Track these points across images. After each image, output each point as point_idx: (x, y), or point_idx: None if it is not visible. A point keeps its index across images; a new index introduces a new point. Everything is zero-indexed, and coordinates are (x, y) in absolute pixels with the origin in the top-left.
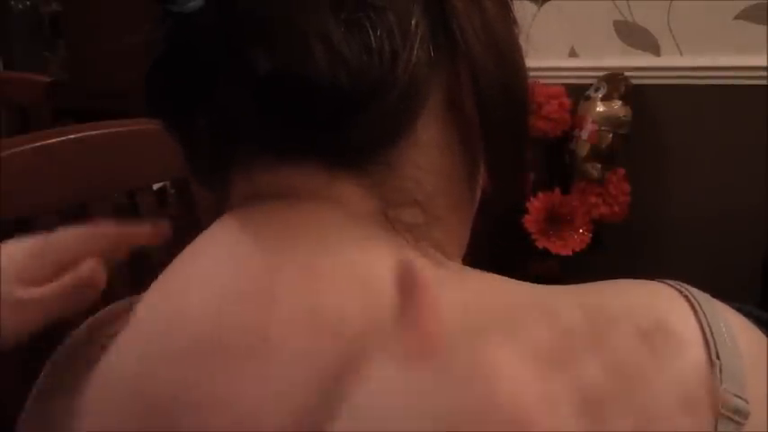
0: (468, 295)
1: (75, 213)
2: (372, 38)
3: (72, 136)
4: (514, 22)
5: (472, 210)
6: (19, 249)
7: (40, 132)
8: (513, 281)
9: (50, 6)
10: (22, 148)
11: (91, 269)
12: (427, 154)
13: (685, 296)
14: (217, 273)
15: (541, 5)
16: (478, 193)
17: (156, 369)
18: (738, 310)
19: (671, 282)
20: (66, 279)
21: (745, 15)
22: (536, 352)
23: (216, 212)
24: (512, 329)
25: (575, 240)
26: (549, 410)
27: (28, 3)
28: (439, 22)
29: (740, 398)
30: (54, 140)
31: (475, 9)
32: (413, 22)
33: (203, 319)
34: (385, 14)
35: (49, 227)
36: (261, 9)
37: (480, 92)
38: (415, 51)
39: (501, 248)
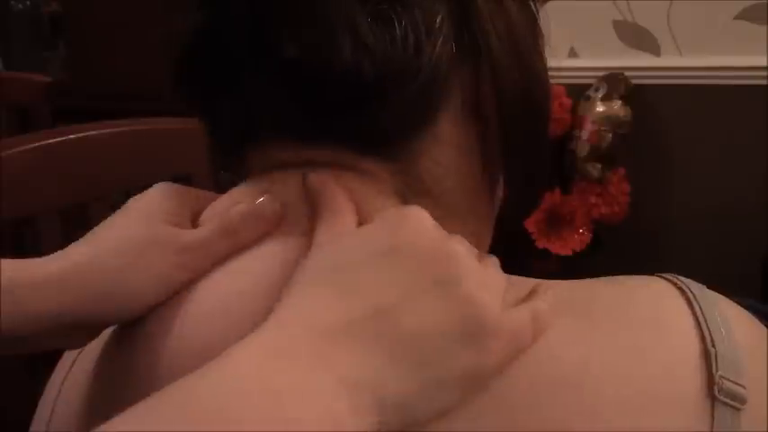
0: None
1: (76, 213)
2: (397, 30)
3: (72, 136)
4: (539, 31)
5: (491, 212)
6: (157, 193)
7: (40, 132)
8: (511, 276)
9: (50, 6)
10: (22, 148)
11: (266, 200)
12: (447, 151)
13: (680, 288)
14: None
15: (541, 5)
16: (499, 196)
17: (184, 360)
18: (739, 303)
19: (665, 275)
20: (234, 211)
21: (745, 15)
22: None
23: None
24: None
25: (575, 240)
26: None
27: (28, 3)
28: (463, 23)
29: (737, 384)
30: (54, 140)
31: (499, 14)
32: (438, 19)
33: (231, 282)
34: (411, 10)
35: (49, 227)
36: None
37: (500, 94)
38: (438, 47)
39: (501, 248)
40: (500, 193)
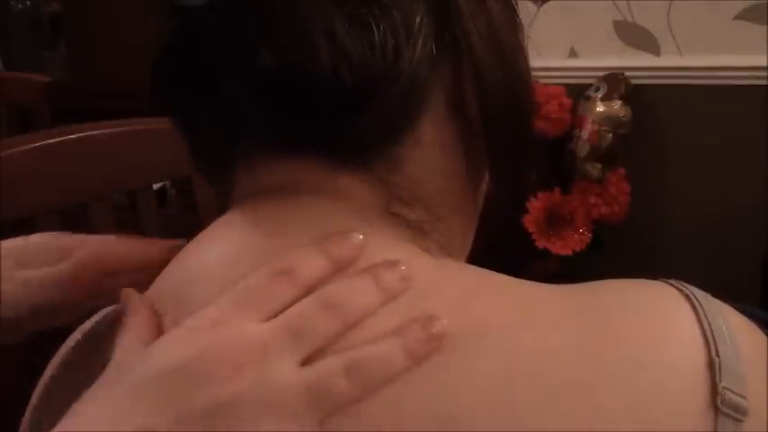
0: (465, 291)
1: (76, 213)
2: (376, 34)
3: (72, 136)
4: (519, 26)
5: (475, 212)
6: (31, 238)
7: (40, 132)
8: (511, 279)
9: (50, 6)
10: (22, 148)
11: (87, 254)
12: (430, 153)
13: (685, 295)
14: (219, 266)
15: (541, 5)
16: (482, 196)
17: None
18: (739, 310)
19: (671, 281)
20: (65, 263)
21: (745, 15)
22: (515, 359)
23: (217, 209)
24: (498, 340)
25: (575, 240)
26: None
27: (28, 3)
28: (444, 22)
29: (740, 395)
30: (54, 140)
31: (480, 11)
32: (417, 20)
33: None
34: (389, 12)
35: (49, 227)
36: (266, 3)
37: (483, 93)
38: (418, 49)
39: (501, 248)
40: (484, 188)
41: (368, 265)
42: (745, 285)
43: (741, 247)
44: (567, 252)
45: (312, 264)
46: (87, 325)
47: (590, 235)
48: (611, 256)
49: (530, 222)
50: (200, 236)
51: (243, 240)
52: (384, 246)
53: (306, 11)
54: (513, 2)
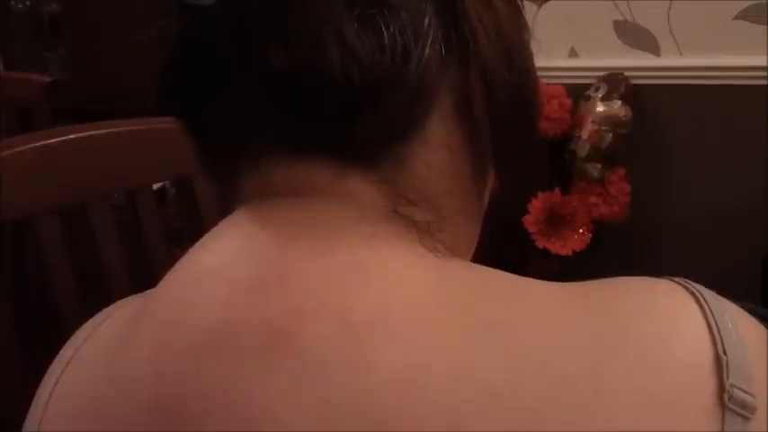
0: (470, 290)
1: (76, 213)
2: (385, 35)
3: (72, 136)
4: (525, 26)
5: (480, 212)
6: None
7: (40, 132)
8: (516, 277)
9: (50, 6)
10: (22, 148)
11: None
12: (436, 153)
13: (691, 293)
14: (226, 267)
15: (541, 5)
16: (487, 196)
17: (167, 367)
18: (740, 307)
19: (676, 279)
20: None
21: (745, 15)
22: (519, 356)
23: (220, 210)
24: (506, 336)
25: (575, 240)
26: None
27: (28, 3)
28: (451, 22)
29: (747, 392)
30: (54, 140)
31: (487, 11)
32: (425, 21)
33: (212, 314)
34: (398, 12)
35: (49, 227)
36: (275, 4)
37: (490, 93)
38: (427, 50)
39: (501, 248)
40: (488, 194)
41: (373, 265)
42: (746, 285)
43: (741, 247)
44: (567, 252)
45: None
46: (92, 323)
47: (590, 235)
48: (611, 256)
49: (530, 222)
50: (206, 236)
51: (249, 242)
52: (389, 247)
53: (315, 11)
54: (519, 2)
